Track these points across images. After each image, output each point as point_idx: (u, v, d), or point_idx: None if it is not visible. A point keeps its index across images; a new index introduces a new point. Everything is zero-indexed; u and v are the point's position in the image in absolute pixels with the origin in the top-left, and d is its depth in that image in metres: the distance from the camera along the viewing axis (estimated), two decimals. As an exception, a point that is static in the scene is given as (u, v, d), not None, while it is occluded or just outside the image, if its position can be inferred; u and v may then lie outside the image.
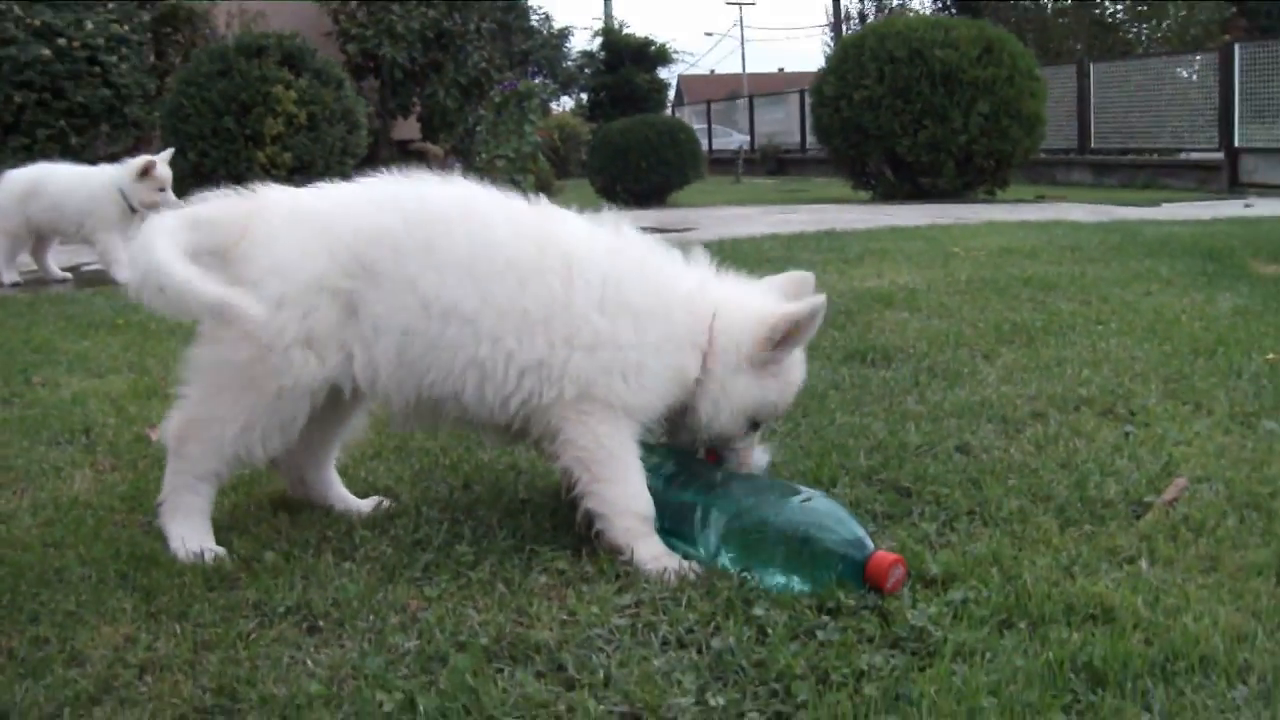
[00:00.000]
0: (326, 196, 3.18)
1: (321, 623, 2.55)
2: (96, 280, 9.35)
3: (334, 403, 3.15)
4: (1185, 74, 21.87)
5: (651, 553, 2.84)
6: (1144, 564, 2.76)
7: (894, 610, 2.48)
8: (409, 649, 2.38)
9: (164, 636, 2.50)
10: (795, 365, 3.13)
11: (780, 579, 2.65)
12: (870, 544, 2.67)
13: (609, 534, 2.89)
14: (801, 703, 2.14)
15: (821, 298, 3.00)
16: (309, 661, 2.35)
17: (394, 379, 3.01)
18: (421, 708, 2.12)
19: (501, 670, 2.29)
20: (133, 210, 8.85)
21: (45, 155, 15.52)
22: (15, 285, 9.20)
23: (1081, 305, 6.32)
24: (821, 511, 2.74)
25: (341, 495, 3.40)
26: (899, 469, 3.44)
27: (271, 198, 3.15)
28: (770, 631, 2.41)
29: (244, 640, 2.46)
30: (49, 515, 3.32)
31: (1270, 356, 4.86)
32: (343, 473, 3.51)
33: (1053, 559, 2.78)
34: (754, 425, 3.14)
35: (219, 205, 3.12)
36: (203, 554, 2.94)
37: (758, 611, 2.49)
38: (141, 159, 9.10)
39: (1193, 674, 2.22)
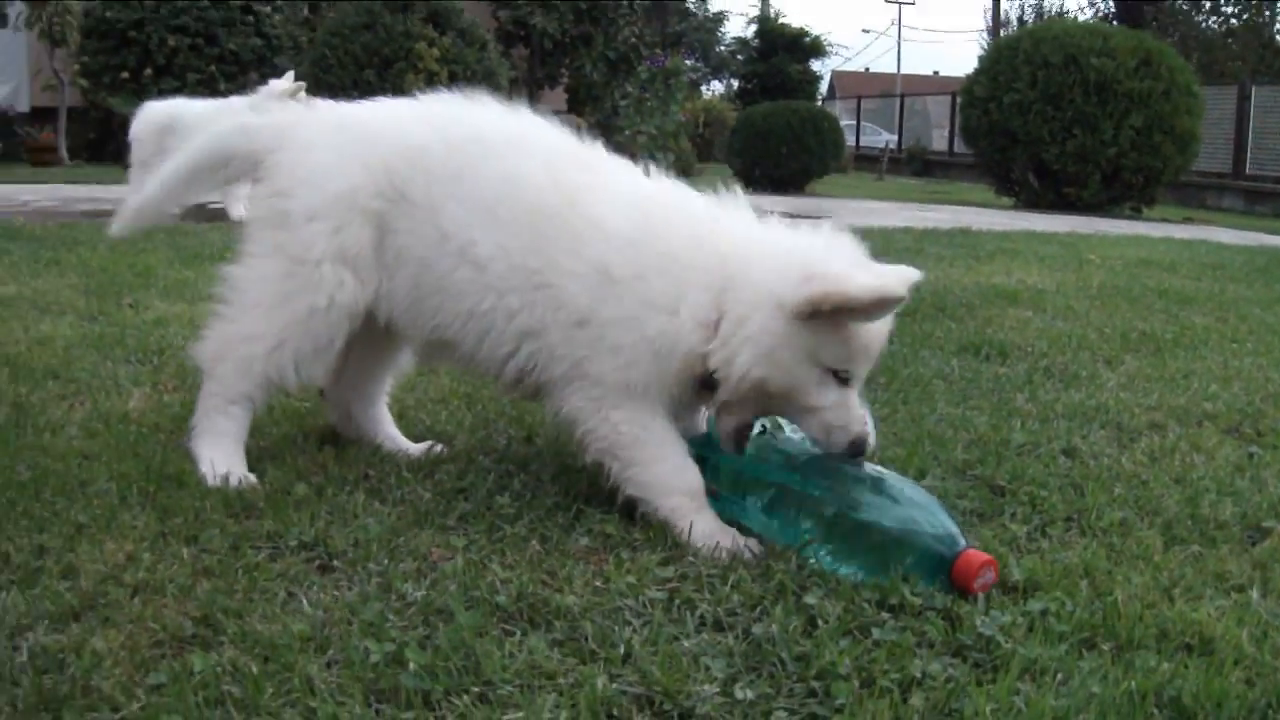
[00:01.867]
0: (373, 108, 3.05)
1: (336, 561, 2.37)
2: (217, 216, 9.35)
3: (378, 333, 3.01)
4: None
5: (704, 530, 2.59)
6: (1254, 594, 2.45)
7: (963, 615, 2.21)
8: (415, 598, 2.17)
9: (166, 558, 2.35)
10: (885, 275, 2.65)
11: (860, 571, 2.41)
12: (962, 540, 2.41)
13: (657, 515, 2.66)
14: (839, 706, 1.88)
15: (900, 281, 2.57)
16: (305, 600, 2.15)
17: (408, 314, 2.90)
18: (411, 663, 1.90)
19: (512, 633, 2.07)
20: None
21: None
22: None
23: (1217, 321, 5.97)
24: (918, 503, 2.49)
25: (391, 434, 3.23)
26: (996, 466, 3.17)
27: (318, 109, 3.06)
28: (820, 623, 2.15)
29: (247, 571, 2.28)
30: (96, 428, 3.23)
31: None
32: (401, 415, 3.35)
33: (1152, 578, 2.48)
34: (836, 377, 2.65)
35: (263, 119, 3.12)
36: (229, 478, 2.78)
37: (810, 600, 2.24)
38: (289, 83, 8.95)
39: (1297, 720, 1.92)
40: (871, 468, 2.66)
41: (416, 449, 3.16)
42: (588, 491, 2.81)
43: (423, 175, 2.85)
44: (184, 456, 2.94)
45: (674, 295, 2.66)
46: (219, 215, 9.29)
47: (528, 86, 25.74)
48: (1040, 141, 17.21)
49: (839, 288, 2.49)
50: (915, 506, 2.48)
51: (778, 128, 19.42)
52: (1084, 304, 6.24)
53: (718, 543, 2.54)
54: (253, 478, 2.83)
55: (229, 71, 18.26)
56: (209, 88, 17.30)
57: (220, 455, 2.88)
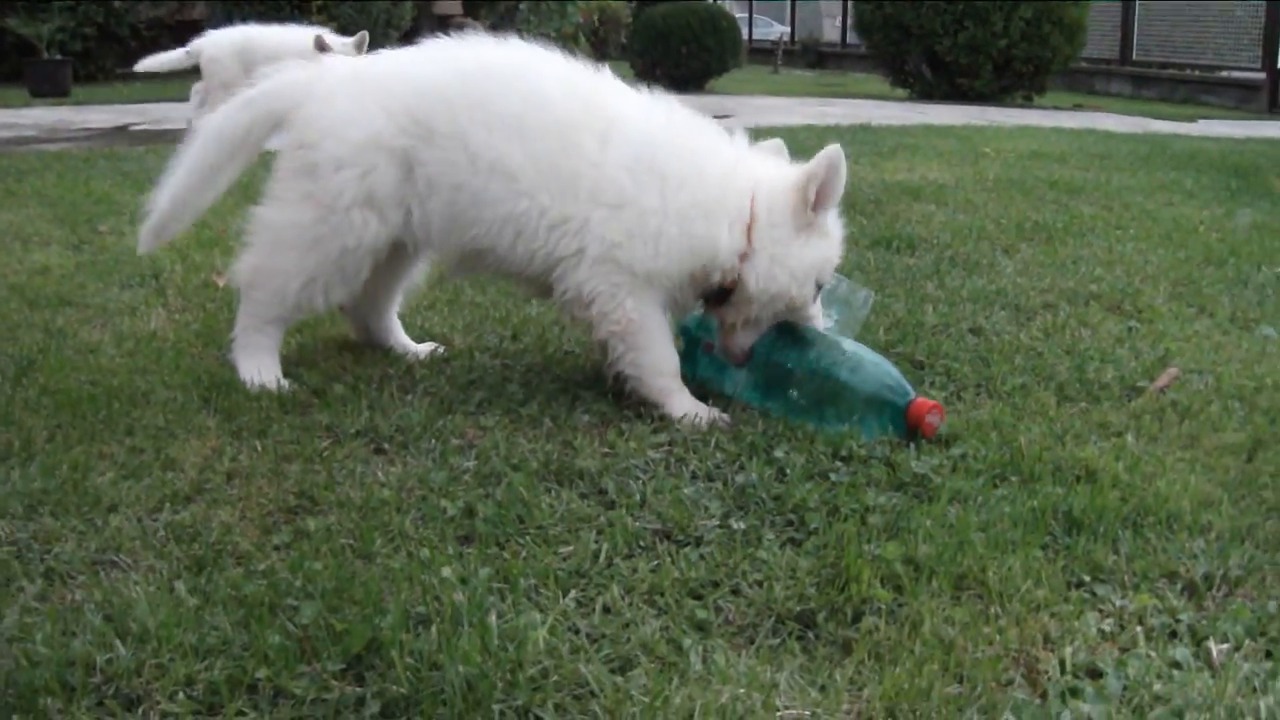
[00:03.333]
0: (384, 59, 3.37)
1: (387, 445, 2.86)
2: (146, 138, 9.60)
3: (396, 256, 3.39)
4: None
5: (685, 406, 3.11)
6: (1129, 437, 3.04)
7: (900, 460, 2.78)
8: (468, 467, 2.69)
9: (246, 450, 2.80)
10: (836, 221, 3.22)
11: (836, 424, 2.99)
12: (912, 391, 3.01)
13: (643, 392, 3.16)
14: (813, 530, 2.43)
15: (832, 148, 3.07)
16: (380, 474, 2.66)
17: (443, 233, 3.22)
18: (481, 514, 2.43)
19: (550, 489, 2.60)
20: None
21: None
22: None
23: (1103, 210, 6.54)
24: (874, 361, 3.09)
25: (401, 340, 3.67)
26: (915, 344, 3.72)
27: (331, 65, 3.37)
28: (788, 471, 2.71)
29: (319, 456, 2.77)
30: (130, 347, 3.59)
31: (1279, 269, 5.10)
32: (399, 321, 3.80)
33: (1047, 428, 3.07)
34: (818, 288, 3.21)
35: (279, 78, 3.34)
36: (267, 385, 3.22)
37: (778, 454, 2.79)
38: (360, 39, 9.34)
39: (1159, 527, 2.51)
40: (832, 336, 3.24)
41: (423, 350, 3.62)
42: (578, 378, 3.33)
43: (445, 107, 3.14)
44: (223, 367, 3.37)
45: (720, 206, 3.12)
46: (153, 137, 9.54)
47: (422, -9, 25.69)
48: (933, 34, 17.62)
49: (807, 175, 3.08)
50: (873, 365, 3.07)
51: (677, 28, 19.61)
52: (982, 197, 6.76)
53: (696, 414, 3.07)
54: (286, 383, 3.26)
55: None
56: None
57: (258, 365, 3.29)
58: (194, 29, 21.28)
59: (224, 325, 3.75)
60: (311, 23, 15.10)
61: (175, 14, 20.27)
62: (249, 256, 3.34)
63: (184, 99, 10.37)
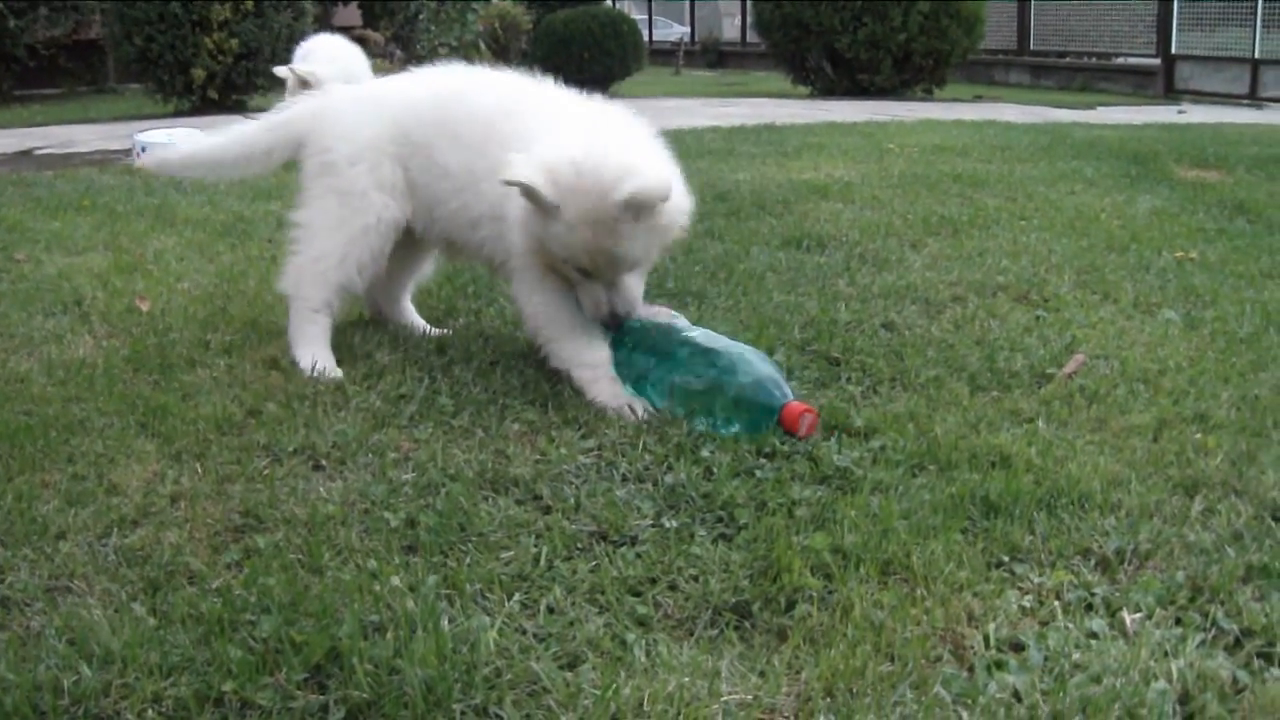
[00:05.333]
0: (382, 82, 4.09)
1: (325, 461, 2.92)
2: (53, 161, 9.54)
3: (407, 244, 3.92)
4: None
5: (608, 393, 3.31)
6: (1041, 423, 3.18)
7: (821, 455, 2.90)
8: (406, 480, 2.77)
9: (188, 473, 2.86)
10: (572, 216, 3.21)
11: (716, 425, 3.10)
12: (789, 391, 3.10)
13: (571, 381, 3.37)
14: (743, 524, 2.54)
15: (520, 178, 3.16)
16: (321, 489, 2.73)
17: (425, 227, 3.80)
18: (423, 524, 2.52)
19: (487, 498, 2.69)
20: None
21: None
22: None
23: (1007, 201, 6.72)
24: (752, 360, 3.18)
25: (415, 321, 4.23)
26: (830, 341, 3.83)
27: (337, 91, 4.04)
28: (715, 470, 2.81)
29: (260, 475, 2.83)
30: (61, 376, 3.60)
31: (1179, 254, 5.29)
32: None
33: (962, 417, 3.20)
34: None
35: (297, 107, 3.97)
36: (324, 370, 3.61)
37: (704, 454, 2.90)
38: None
39: (1072, 507, 2.64)
40: (707, 336, 3.34)
41: (435, 331, 4.12)
42: (504, 388, 3.40)
43: (417, 122, 3.71)
44: (157, 391, 3.42)
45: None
46: (60, 161, 9.47)
47: (322, 3, 25.55)
48: (832, 31, 17.89)
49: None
50: (752, 364, 3.17)
51: (579, 34, 19.77)
52: (887, 193, 6.91)
53: (620, 403, 3.25)
54: (339, 371, 3.63)
55: (17, 7, 17.99)
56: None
57: (314, 353, 3.68)
58: (92, 48, 21.14)
59: (152, 350, 3.80)
60: (213, 40, 15.13)
61: (73, 34, 20.06)
62: (292, 260, 3.82)
63: (85, 121, 10.30)
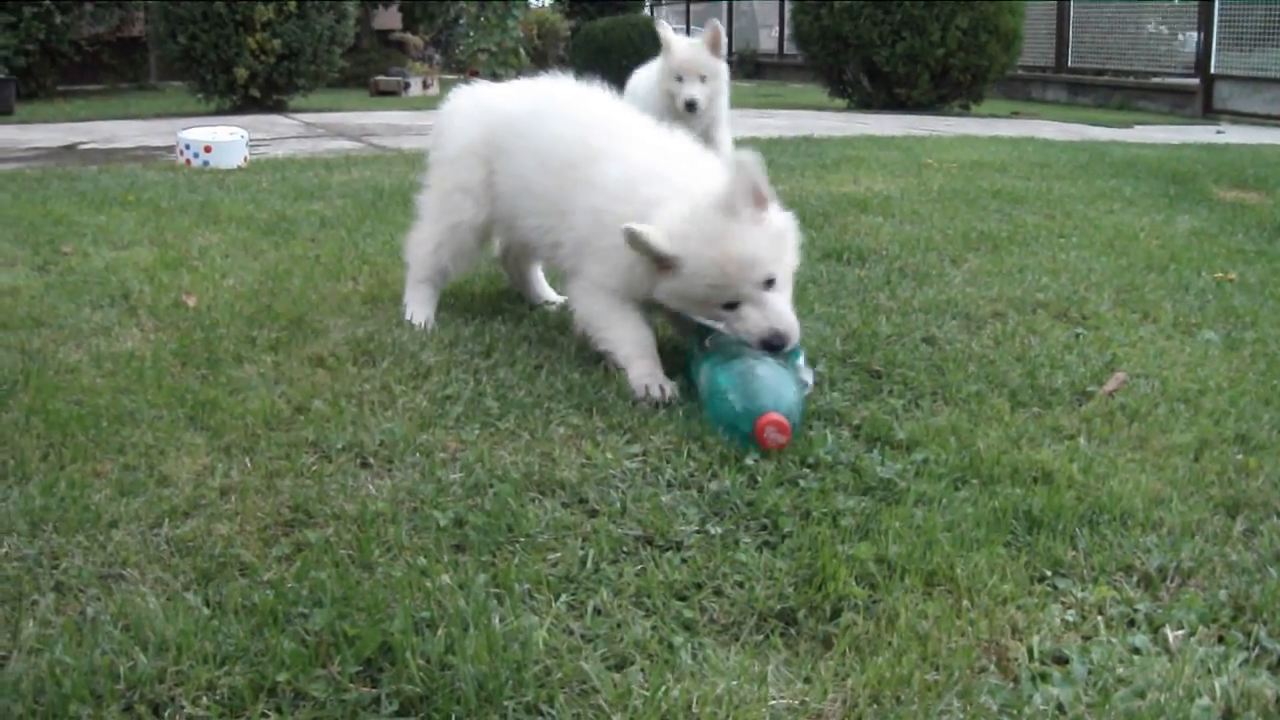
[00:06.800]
0: (493, 87, 4.41)
1: (372, 459, 2.96)
2: (97, 156, 9.63)
3: None
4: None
5: (639, 371, 3.50)
6: (1082, 440, 3.19)
7: (865, 467, 2.92)
8: (454, 480, 2.80)
9: (237, 467, 2.90)
10: (689, 259, 3.37)
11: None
12: (755, 414, 3.04)
13: (612, 360, 3.62)
14: (787, 533, 2.57)
15: (627, 228, 3.37)
16: (370, 487, 2.77)
17: (505, 227, 4.21)
18: (471, 524, 2.55)
19: (534, 499, 2.72)
20: None
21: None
22: None
23: (1046, 219, 6.71)
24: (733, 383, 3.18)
25: (544, 292, 4.70)
26: (871, 354, 3.85)
27: (460, 93, 4.44)
28: (759, 479, 2.83)
29: (308, 471, 2.87)
30: (110, 367, 3.66)
31: (1219, 275, 5.29)
32: (369, 338, 3.93)
33: (1003, 433, 3.21)
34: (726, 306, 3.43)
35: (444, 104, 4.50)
36: (424, 322, 4.18)
37: (748, 462, 2.92)
38: None
39: (1114, 524, 2.66)
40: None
41: (556, 301, 4.60)
42: (549, 393, 3.43)
43: (509, 133, 4.06)
44: (205, 385, 3.47)
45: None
46: (104, 156, 9.56)
47: (362, 6, 25.68)
48: (871, 44, 17.88)
49: None
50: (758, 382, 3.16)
51: (618, 42, 19.88)
52: (927, 208, 6.92)
53: (647, 383, 3.41)
54: (434, 323, 4.21)
55: (63, 4, 18.13)
56: (45, 22, 17.39)
57: (414, 311, 4.26)
58: (135, 45, 21.32)
59: (199, 344, 3.85)
60: (256, 40, 15.23)
61: (116, 30, 20.24)
62: (410, 234, 4.40)
63: (127, 117, 10.36)
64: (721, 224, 3.33)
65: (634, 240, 3.34)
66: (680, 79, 7.15)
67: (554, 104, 4.05)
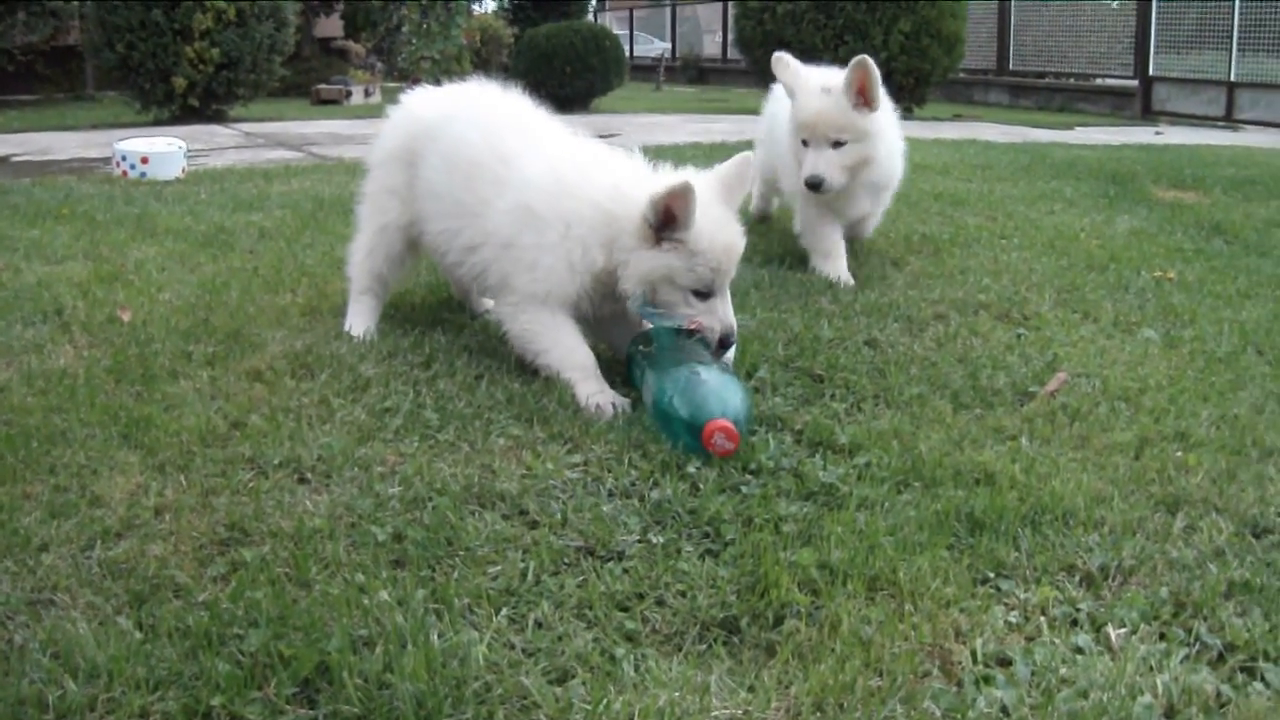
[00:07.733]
0: (418, 93, 4.39)
1: (310, 475, 2.91)
2: (31, 169, 9.50)
3: None
4: (1105, 0, 22.27)
5: (588, 391, 3.45)
6: (1024, 441, 3.20)
7: (807, 471, 2.91)
8: (393, 494, 2.76)
9: (171, 485, 2.85)
10: (701, 236, 3.39)
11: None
12: (716, 414, 3.02)
13: (560, 383, 3.52)
14: (729, 540, 2.55)
15: (681, 181, 3.33)
16: (307, 503, 2.73)
17: (423, 234, 4.13)
18: (410, 538, 2.51)
19: (474, 512, 2.68)
20: None
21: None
22: None
23: (988, 220, 6.75)
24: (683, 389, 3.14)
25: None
26: (813, 358, 3.84)
27: (402, 98, 4.41)
28: (701, 486, 2.82)
29: (245, 488, 2.82)
30: (41, 385, 3.58)
31: (1158, 274, 5.32)
32: (308, 351, 3.87)
33: (945, 435, 3.21)
34: (697, 294, 3.45)
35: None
36: (365, 334, 4.14)
37: (690, 470, 2.90)
38: None
39: (1056, 524, 2.67)
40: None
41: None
42: (489, 403, 3.40)
43: (423, 139, 4.08)
44: (140, 403, 3.41)
45: (601, 227, 3.54)
46: (38, 169, 9.43)
47: (304, 15, 25.53)
48: (814, 49, 17.90)
49: (651, 199, 3.39)
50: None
51: (561, 48, 19.71)
52: (870, 210, 6.92)
53: (597, 402, 3.36)
54: (374, 334, 4.15)
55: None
56: None
57: (358, 321, 4.23)
58: (71, 54, 21.08)
59: (134, 360, 3.78)
60: (194, 49, 15.08)
61: (51, 39, 20.01)
62: (349, 246, 4.42)
63: (63, 129, 10.20)
64: (727, 210, 3.47)
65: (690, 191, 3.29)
66: (805, 142, 5.05)
67: (465, 108, 4.10)
